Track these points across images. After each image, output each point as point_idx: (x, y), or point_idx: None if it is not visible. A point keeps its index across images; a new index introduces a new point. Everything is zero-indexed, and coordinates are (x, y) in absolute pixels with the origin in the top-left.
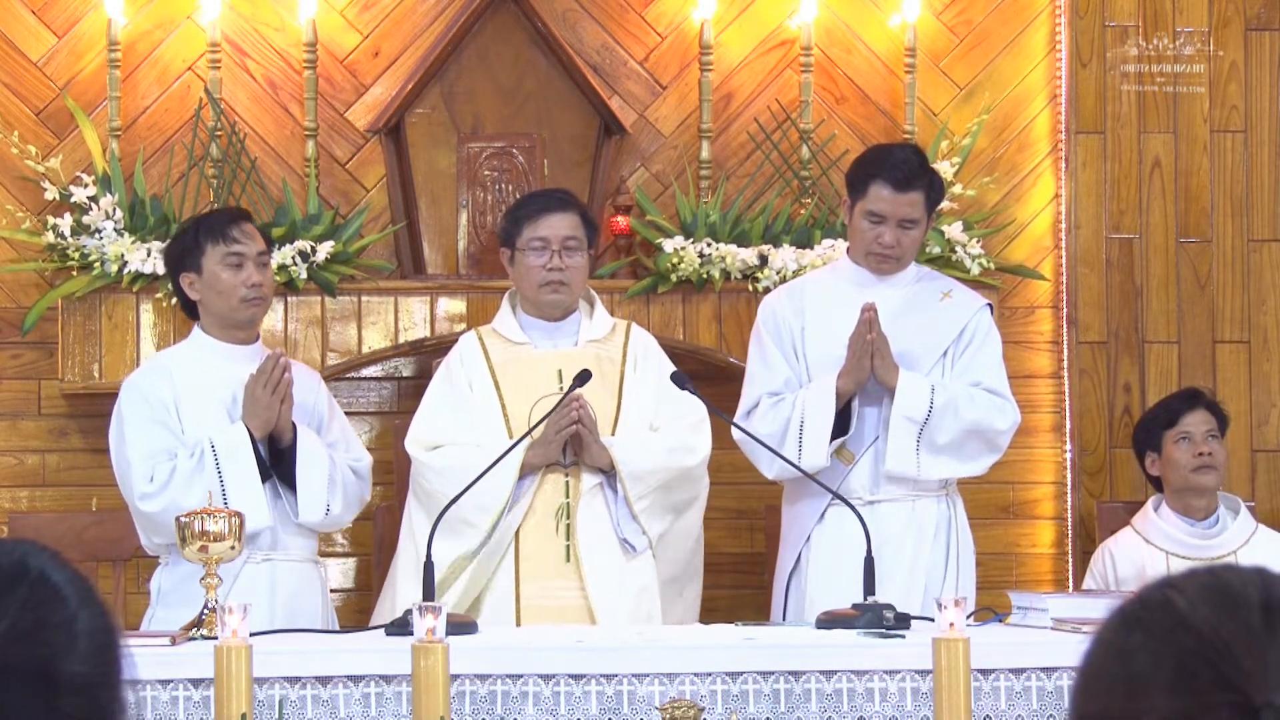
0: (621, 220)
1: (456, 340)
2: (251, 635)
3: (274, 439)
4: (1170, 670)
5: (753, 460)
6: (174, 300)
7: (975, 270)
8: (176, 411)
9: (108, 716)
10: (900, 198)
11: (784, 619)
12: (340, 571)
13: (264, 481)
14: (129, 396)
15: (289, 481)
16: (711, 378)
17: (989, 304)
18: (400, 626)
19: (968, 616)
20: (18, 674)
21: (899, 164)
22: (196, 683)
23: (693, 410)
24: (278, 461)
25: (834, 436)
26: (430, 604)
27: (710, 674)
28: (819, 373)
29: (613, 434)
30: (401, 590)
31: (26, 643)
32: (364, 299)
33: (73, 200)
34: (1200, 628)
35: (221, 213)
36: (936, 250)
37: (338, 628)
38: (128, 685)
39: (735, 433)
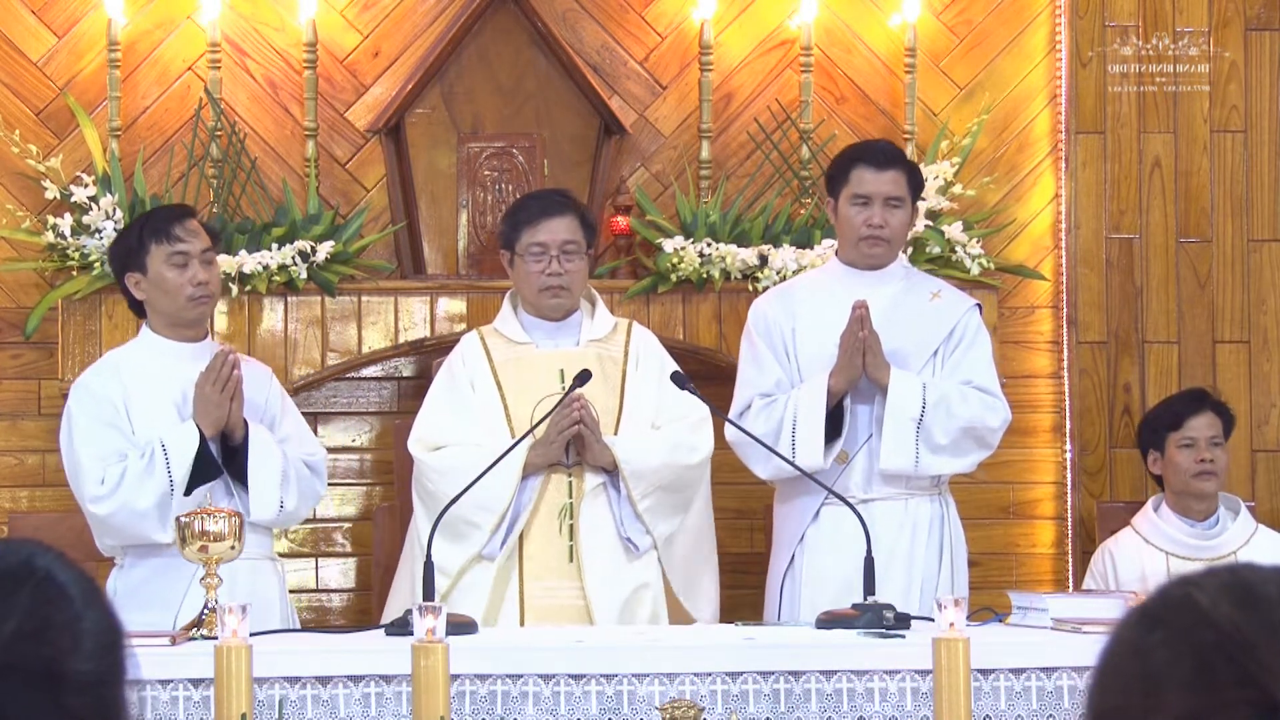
0: (621, 220)
1: (456, 340)
2: (252, 635)
3: (225, 436)
4: (1190, 667)
5: (745, 462)
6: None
7: (975, 270)
8: (126, 411)
9: (113, 715)
10: (883, 175)
11: (778, 619)
12: (340, 571)
13: (216, 480)
14: (79, 398)
15: (241, 479)
16: (711, 378)
17: (977, 304)
18: (400, 626)
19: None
20: (24, 673)
21: (877, 148)
22: (196, 683)
23: (694, 410)
24: (229, 459)
25: (827, 435)
26: (430, 604)
27: (710, 674)
28: (810, 373)
29: (615, 433)
30: (414, 593)
31: (33, 642)
32: (364, 299)
33: (73, 200)
34: (1221, 624)
35: (165, 211)
36: (936, 250)
37: (298, 626)
38: (131, 685)
39: (728, 433)
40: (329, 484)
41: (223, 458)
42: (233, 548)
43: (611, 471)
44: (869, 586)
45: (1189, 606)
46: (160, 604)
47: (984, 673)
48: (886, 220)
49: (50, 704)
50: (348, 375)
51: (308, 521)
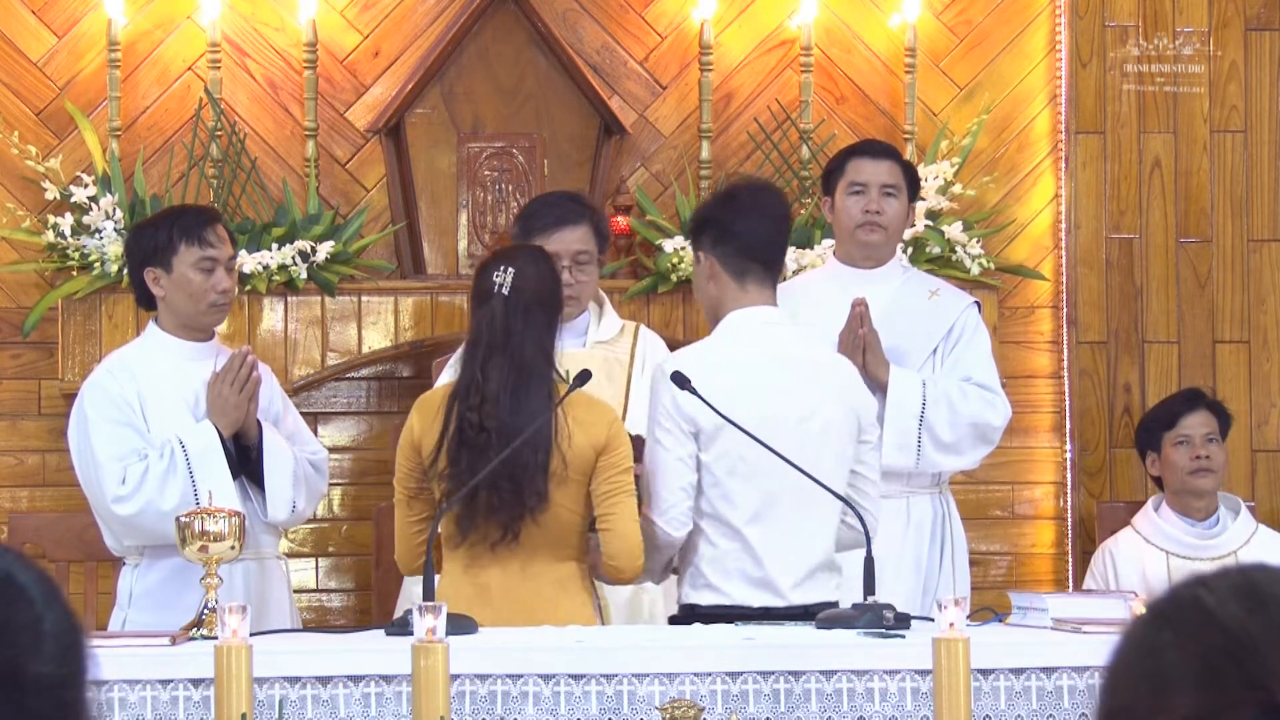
0: (621, 220)
1: (457, 340)
2: (251, 635)
3: (238, 437)
4: (1198, 668)
5: None
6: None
7: (975, 270)
8: (141, 410)
9: (73, 716)
10: (879, 164)
11: None
12: (340, 571)
13: (233, 480)
14: (93, 397)
15: (253, 479)
16: None
17: (976, 301)
18: (400, 626)
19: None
20: None
21: (873, 142)
22: (196, 683)
23: None
24: (242, 460)
25: None
26: (430, 604)
27: (710, 674)
28: None
29: None
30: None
31: None
32: (364, 299)
33: (73, 200)
34: (1229, 625)
35: (196, 212)
36: (937, 250)
37: (300, 625)
38: (92, 686)
39: None
40: (329, 484)
41: (236, 458)
42: (233, 548)
43: None
44: (869, 586)
45: (1197, 607)
46: (179, 605)
47: (984, 673)
48: (883, 207)
49: (12, 706)
50: (348, 375)
51: (308, 521)
